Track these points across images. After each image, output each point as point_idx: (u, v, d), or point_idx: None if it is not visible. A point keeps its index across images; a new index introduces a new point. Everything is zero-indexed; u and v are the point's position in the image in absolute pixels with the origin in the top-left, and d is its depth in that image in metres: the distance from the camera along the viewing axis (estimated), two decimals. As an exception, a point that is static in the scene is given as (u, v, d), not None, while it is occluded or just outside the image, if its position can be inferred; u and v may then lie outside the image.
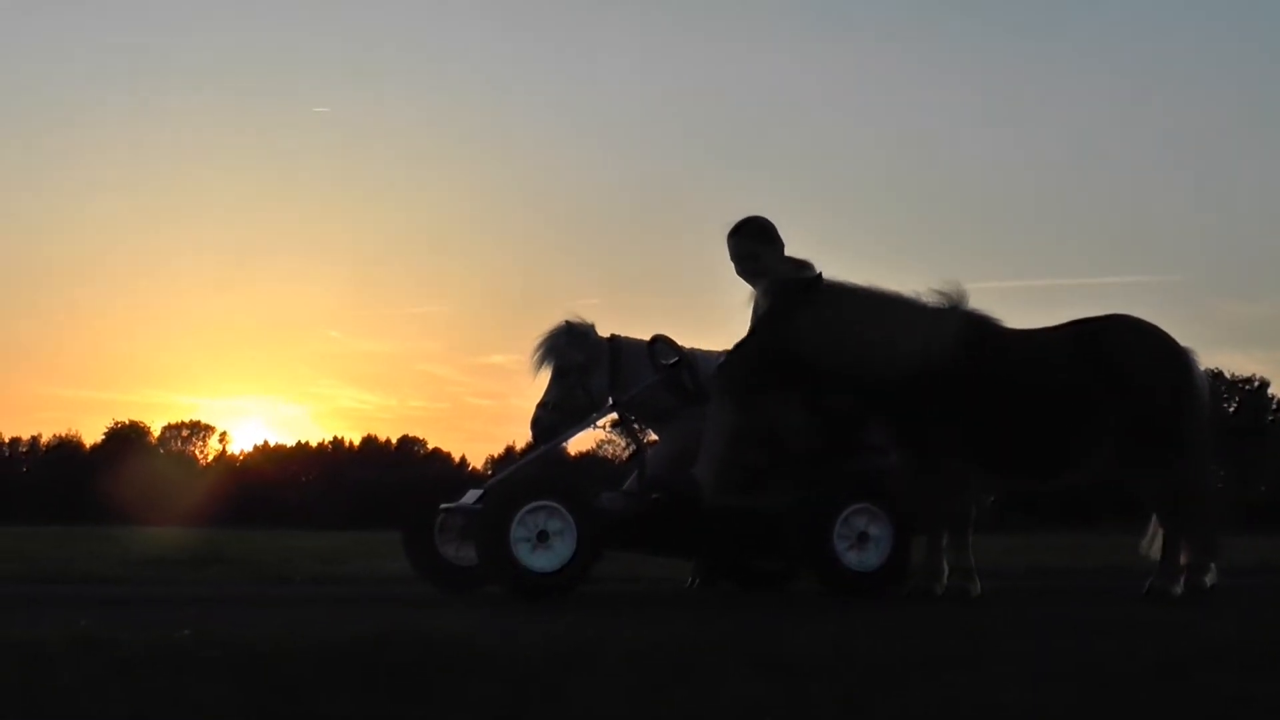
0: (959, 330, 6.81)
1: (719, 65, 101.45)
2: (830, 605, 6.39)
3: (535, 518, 6.41)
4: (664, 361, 7.37)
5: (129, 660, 3.54)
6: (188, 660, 3.56)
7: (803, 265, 7.17)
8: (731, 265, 7.41)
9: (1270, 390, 74.12)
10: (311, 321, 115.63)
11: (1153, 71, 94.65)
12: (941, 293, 6.94)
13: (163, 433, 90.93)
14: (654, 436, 7.70)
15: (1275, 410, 74.06)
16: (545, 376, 7.43)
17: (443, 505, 7.06)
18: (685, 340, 7.42)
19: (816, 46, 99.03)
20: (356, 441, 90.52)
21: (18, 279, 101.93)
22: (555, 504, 6.45)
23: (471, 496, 6.89)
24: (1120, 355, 7.01)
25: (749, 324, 7.14)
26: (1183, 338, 7.30)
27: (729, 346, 7.08)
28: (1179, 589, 6.99)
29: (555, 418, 7.33)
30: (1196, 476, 7.23)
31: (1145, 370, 7.00)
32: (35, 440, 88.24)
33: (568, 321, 7.42)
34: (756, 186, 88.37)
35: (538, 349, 7.43)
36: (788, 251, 7.30)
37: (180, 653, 3.68)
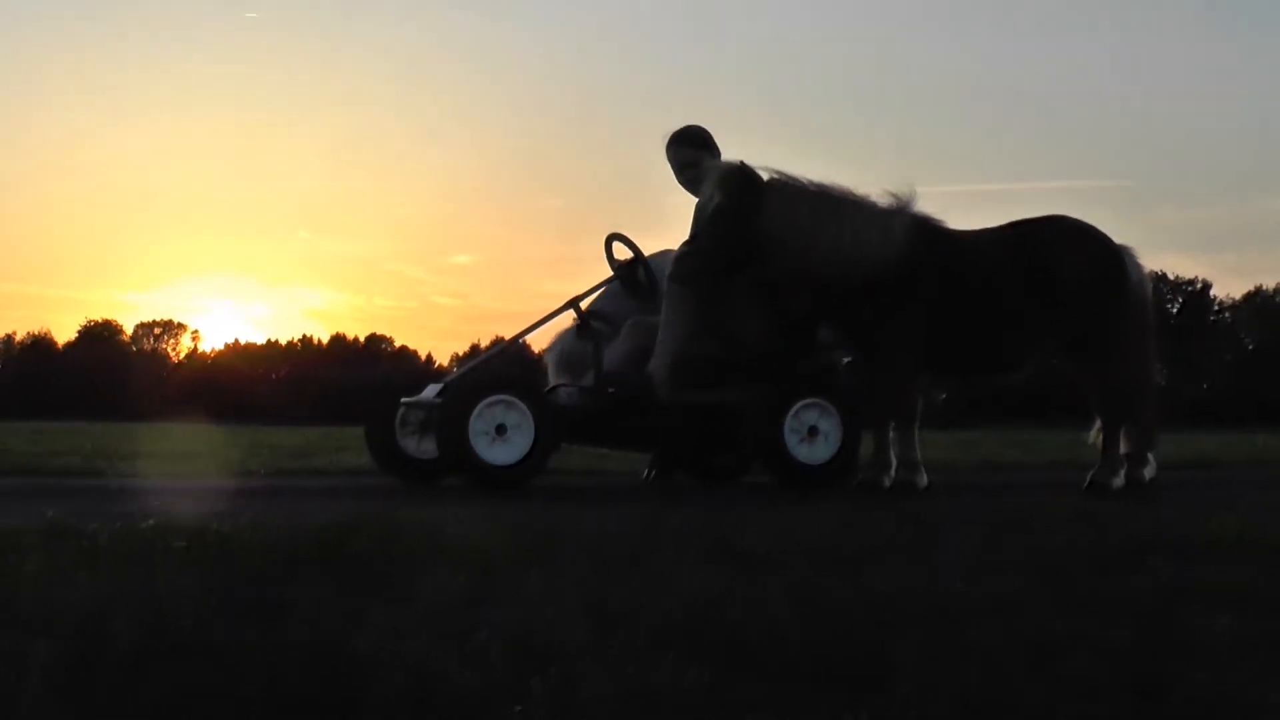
0: (906, 232, 6.91)
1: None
2: (782, 497, 6.52)
3: (493, 411, 6.54)
4: (620, 260, 7.47)
5: (95, 549, 3.58)
6: (153, 549, 3.59)
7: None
8: (673, 175, 7.50)
9: (1212, 292, 74.86)
10: (282, 222, 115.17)
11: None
12: (891, 194, 7.04)
13: (135, 331, 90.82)
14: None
15: (1217, 311, 74.63)
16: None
17: (403, 400, 7.20)
18: (646, 242, 7.54)
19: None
20: (325, 340, 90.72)
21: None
22: (513, 398, 6.58)
23: (431, 391, 7.02)
24: (1057, 254, 7.14)
25: (692, 226, 7.23)
26: (1129, 241, 7.47)
27: (681, 244, 7.18)
28: (1119, 481, 7.18)
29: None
30: (1133, 371, 7.39)
31: (1081, 268, 7.14)
32: (9, 338, 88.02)
33: None
34: (716, 88, 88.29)
35: None
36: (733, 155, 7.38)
37: (146, 542, 3.72)
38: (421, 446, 7.16)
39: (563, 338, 7.63)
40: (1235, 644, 2.67)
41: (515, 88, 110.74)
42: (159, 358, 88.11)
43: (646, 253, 7.47)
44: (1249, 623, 2.86)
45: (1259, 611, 3.00)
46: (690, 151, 7.41)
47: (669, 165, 7.48)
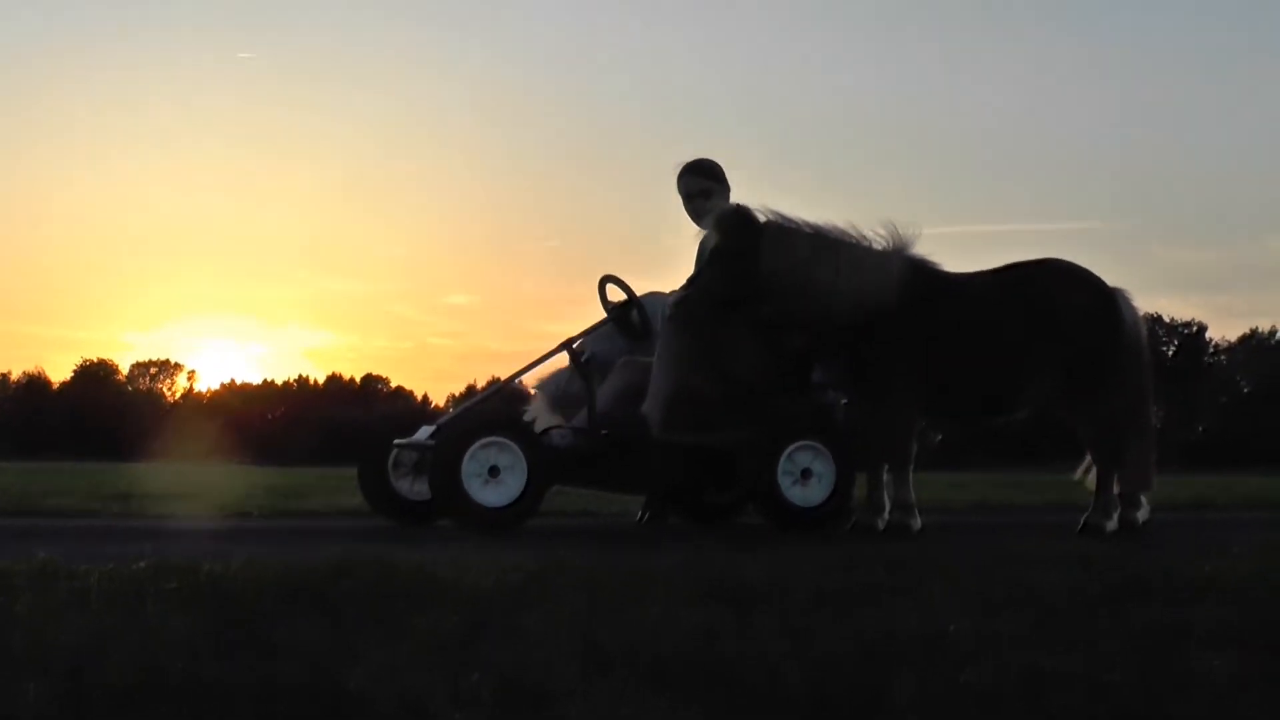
0: (902, 274, 6.92)
1: (683, 17, 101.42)
2: (776, 539, 6.49)
3: (486, 453, 6.53)
4: (613, 301, 7.48)
5: (86, 590, 3.56)
6: (145, 590, 3.57)
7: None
8: (680, 206, 7.55)
9: (1208, 334, 75.00)
10: (279, 262, 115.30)
11: (1099, 21, 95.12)
12: (889, 236, 7.06)
13: (131, 370, 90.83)
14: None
15: (1213, 353, 74.76)
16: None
17: (396, 441, 7.18)
18: (640, 283, 7.55)
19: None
20: (321, 380, 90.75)
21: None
22: (506, 440, 6.57)
23: (425, 432, 7.01)
24: (1052, 296, 7.16)
25: (695, 262, 7.26)
26: (1124, 283, 7.49)
27: (679, 287, 7.20)
28: (1113, 524, 7.16)
29: None
30: (1128, 412, 7.38)
31: (1074, 310, 7.15)
32: (5, 377, 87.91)
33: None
34: (715, 130, 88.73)
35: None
36: (734, 196, 7.44)
37: (138, 583, 3.70)
38: (415, 488, 7.14)
39: (558, 376, 7.64)
40: (1229, 684, 2.66)
41: (512, 129, 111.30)
42: (155, 397, 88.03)
43: (638, 294, 7.46)
44: (1242, 663, 2.85)
45: (1252, 653, 2.98)
46: (699, 181, 7.48)
47: (678, 195, 7.55)
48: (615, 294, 7.50)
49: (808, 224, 6.89)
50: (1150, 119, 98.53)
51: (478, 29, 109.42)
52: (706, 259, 6.93)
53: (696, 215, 7.46)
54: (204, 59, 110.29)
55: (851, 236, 6.95)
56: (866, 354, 6.88)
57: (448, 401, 76.43)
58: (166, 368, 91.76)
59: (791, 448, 7.03)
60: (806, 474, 7.05)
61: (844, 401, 7.45)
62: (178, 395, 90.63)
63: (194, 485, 11.98)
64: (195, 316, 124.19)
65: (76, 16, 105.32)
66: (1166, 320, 72.70)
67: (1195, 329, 75.09)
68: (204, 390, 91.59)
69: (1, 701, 2.31)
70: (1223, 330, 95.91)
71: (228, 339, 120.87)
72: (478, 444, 6.51)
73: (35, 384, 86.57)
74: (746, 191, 7.47)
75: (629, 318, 7.40)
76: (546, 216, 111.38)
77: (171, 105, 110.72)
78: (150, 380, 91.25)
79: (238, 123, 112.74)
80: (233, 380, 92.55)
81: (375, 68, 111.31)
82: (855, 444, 7.11)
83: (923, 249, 7.09)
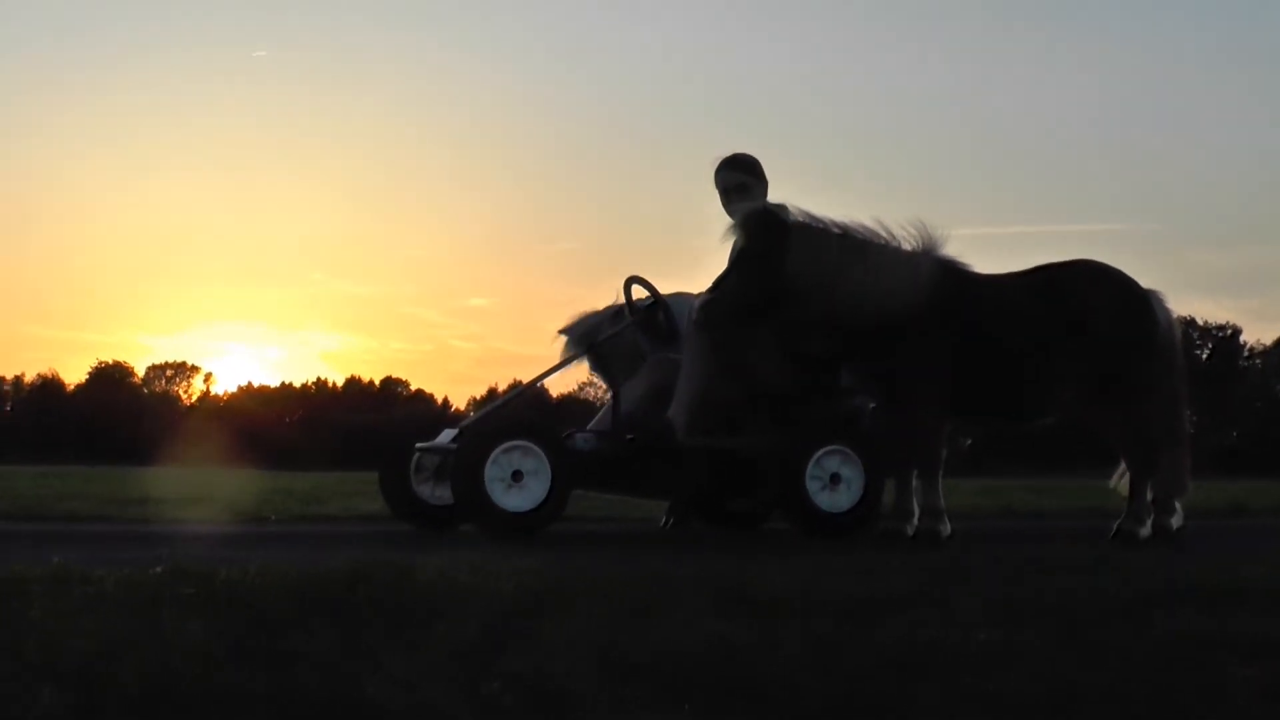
0: (932, 275, 6.82)
1: (701, 17, 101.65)
2: (802, 545, 6.41)
3: (509, 457, 6.45)
4: (639, 303, 7.43)
5: (102, 595, 3.54)
6: (161, 595, 3.55)
7: (780, 209, 7.17)
8: (717, 201, 7.45)
9: (1242, 337, 74.79)
10: (297, 265, 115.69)
11: (1128, 20, 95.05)
12: (917, 235, 6.97)
13: (147, 373, 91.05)
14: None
15: (1247, 357, 74.58)
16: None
17: (418, 445, 7.13)
18: (662, 284, 7.49)
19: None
20: (340, 383, 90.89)
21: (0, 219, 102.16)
22: (529, 444, 6.50)
23: (447, 436, 6.95)
24: (1083, 298, 7.08)
25: (728, 258, 7.17)
26: (1158, 285, 7.43)
27: (705, 289, 7.13)
28: (1146, 531, 7.10)
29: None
30: (1162, 417, 7.32)
31: (1107, 312, 7.08)
32: (19, 380, 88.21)
33: None
34: (733, 131, 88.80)
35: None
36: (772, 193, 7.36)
37: (153, 589, 3.68)
38: (436, 492, 7.09)
39: (583, 320, 7.60)
40: (1260, 694, 2.65)
41: (529, 131, 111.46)
42: (170, 400, 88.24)
43: (664, 294, 7.41)
44: (1274, 674, 2.81)
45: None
46: (736, 176, 7.37)
47: (716, 189, 7.43)
48: (641, 295, 7.45)
49: (835, 223, 6.80)
50: (1185, 120, 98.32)
51: (496, 31, 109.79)
52: (732, 262, 6.86)
53: (733, 211, 7.34)
54: (218, 58, 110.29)
55: (880, 237, 6.86)
56: (895, 357, 6.79)
57: (468, 405, 76.55)
58: (183, 370, 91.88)
59: (820, 453, 6.93)
60: (835, 479, 6.95)
61: (871, 405, 7.37)
62: (194, 398, 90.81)
63: (210, 489, 11.95)
64: (211, 319, 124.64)
65: (85, 18, 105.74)
66: (1200, 323, 72.45)
67: (1230, 332, 74.81)
68: (221, 393, 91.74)
69: (16, 707, 2.30)
70: (1258, 334, 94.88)
71: (244, 342, 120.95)
72: (501, 448, 6.44)
73: (49, 386, 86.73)
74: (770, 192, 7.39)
75: (655, 319, 7.35)
76: (564, 219, 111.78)
77: (186, 106, 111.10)
78: (166, 383, 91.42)
79: (253, 124, 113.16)
80: (250, 383, 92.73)
81: (392, 70, 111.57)
82: (883, 448, 7.01)
83: (952, 250, 7.02)
